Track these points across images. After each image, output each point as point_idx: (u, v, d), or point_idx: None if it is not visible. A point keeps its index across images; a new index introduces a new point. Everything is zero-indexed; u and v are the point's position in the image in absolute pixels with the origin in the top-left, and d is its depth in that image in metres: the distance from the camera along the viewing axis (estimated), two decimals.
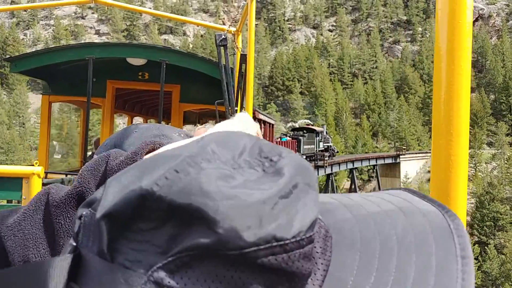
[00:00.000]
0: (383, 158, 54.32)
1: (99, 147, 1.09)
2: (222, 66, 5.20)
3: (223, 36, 5.19)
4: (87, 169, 0.60)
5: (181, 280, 0.31)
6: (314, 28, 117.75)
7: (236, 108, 5.20)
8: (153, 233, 0.32)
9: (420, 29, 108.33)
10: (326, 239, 0.37)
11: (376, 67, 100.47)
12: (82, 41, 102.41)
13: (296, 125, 46.01)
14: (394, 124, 77.78)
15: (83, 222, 0.37)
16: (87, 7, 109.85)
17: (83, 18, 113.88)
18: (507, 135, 71.37)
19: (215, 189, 0.32)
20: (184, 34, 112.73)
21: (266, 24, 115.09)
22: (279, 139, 30.59)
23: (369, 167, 59.75)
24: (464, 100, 1.00)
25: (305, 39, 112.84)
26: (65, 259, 0.35)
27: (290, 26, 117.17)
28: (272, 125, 25.06)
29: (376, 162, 51.98)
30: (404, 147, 62.76)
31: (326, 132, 45.37)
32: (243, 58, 5.14)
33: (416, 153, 65.25)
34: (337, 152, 49.20)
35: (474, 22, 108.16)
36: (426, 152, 67.60)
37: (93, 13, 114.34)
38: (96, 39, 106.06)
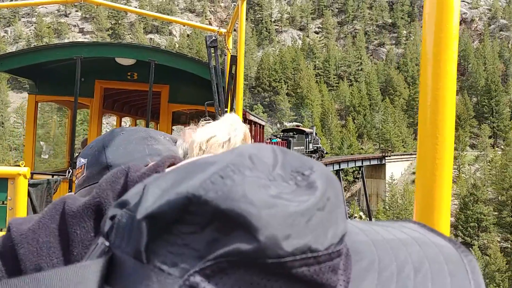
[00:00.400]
0: (369, 159, 54.58)
1: (85, 148, 1.11)
2: (212, 67, 5.21)
3: (213, 38, 5.21)
4: (106, 181, 0.60)
5: (216, 286, 0.31)
6: (300, 29, 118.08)
7: (226, 110, 5.19)
8: (193, 237, 0.32)
9: (404, 32, 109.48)
10: (347, 257, 0.37)
11: (361, 69, 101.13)
12: (66, 40, 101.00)
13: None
14: (379, 125, 78.34)
15: (116, 223, 0.36)
16: (72, 4, 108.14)
17: (66, 16, 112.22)
18: (489, 137, 72.46)
19: (258, 197, 0.32)
20: (170, 33, 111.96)
21: (253, 25, 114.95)
22: (269, 140, 30.60)
23: (354, 169, 60.01)
24: (449, 103, 1.00)
25: (291, 41, 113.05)
26: (99, 262, 0.34)
27: (277, 27, 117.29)
28: (263, 126, 25.35)
29: (362, 163, 52.07)
30: (389, 149, 63.21)
31: (316, 134, 46.06)
32: (233, 59, 5.11)
33: (401, 155, 65.79)
34: (326, 153, 50.27)
35: None
36: (411, 154, 68.17)
37: (77, 11, 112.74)
38: (80, 38, 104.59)
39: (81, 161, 1.07)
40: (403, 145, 74.74)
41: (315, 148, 41.93)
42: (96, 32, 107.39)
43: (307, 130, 41.19)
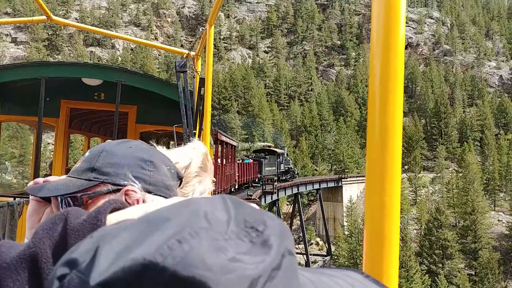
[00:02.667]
0: (326, 181, 51.62)
1: (91, 150, 1.10)
2: (181, 90, 5.30)
3: (183, 63, 5.39)
4: (42, 228, 0.57)
5: None
6: (250, 48, 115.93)
7: (194, 131, 5.15)
8: None
9: (353, 53, 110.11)
10: None
11: (311, 90, 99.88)
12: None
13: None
14: (331, 146, 76.29)
15: (66, 285, 0.34)
16: (3, 12, 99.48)
17: None
18: (445, 159, 71.94)
19: (216, 262, 0.32)
20: (113, 47, 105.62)
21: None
22: (241, 160, 29.39)
23: (309, 191, 56.82)
24: (396, 144, 1.00)
25: (241, 59, 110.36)
26: None
27: (226, 45, 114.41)
28: (235, 146, 24.45)
29: (320, 186, 49.13)
30: (346, 170, 60.69)
31: (287, 154, 45.33)
32: (202, 81, 5.12)
33: (357, 177, 63.51)
34: (297, 173, 49.37)
35: None
36: None
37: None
38: (13, 48, 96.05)
39: (86, 153, 1.08)
40: (356, 167, 72.71)
41: (287, 168, 41.54)
42: (31, 42, 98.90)
43: (278, 150, 40.33)
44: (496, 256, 41.79)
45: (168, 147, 1.59)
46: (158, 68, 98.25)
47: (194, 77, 5.78)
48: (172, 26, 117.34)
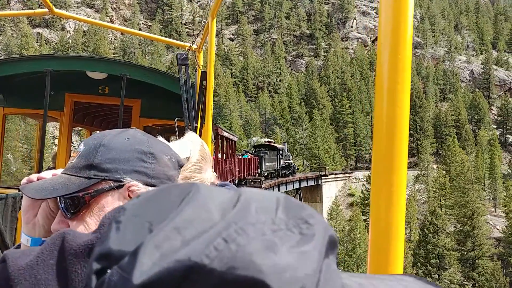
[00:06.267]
0: (306, 180, 46.11)
1: (93, 135, 1.08)
2: (183, 83, 5.26)
3: (184, 55, 5.35)
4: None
5: None
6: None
7: (196, 125, 5.18)
8: None
9: (323, 44, 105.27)
10: None
11: (280, 80, 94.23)
12: None
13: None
14: (303, 140, 70.83)
15: (107, 282, 0.33)
16: None
17: None
18: (431, 154, 67.88)
19: (266, 262, 0.31)
20: (63, 28, 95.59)
21: (162, 26, 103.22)
22: (241, 156, 28.99)
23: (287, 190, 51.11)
24: (403, 134, 1.01)
25: (205, 46, 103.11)
26: None
27: (188, 30, 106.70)
28: (235, 141, 25.19)
29: (300, 185, 43.61)
30: (325, 167, 55.41)
31: (287, 150, 44.32)
32: (204, 75, 5.09)
33: (335, 174, 58.37)
34: (297, 169, 48.36)
35: (373, 41, 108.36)
36: (344, 173, 61.57)
37: None
38: None
39: (81, 146, 1.03)
40: (332, 163, 67.55)
41: (287, 164, 41.07)
42: None
43: (278, 146, 39.88)
44: (499, 265, 37.27)
45: (169, 141, 1.58)
46: (114, 53, 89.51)
47: (195, 71, 5.80)
48: (129, 8, 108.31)
